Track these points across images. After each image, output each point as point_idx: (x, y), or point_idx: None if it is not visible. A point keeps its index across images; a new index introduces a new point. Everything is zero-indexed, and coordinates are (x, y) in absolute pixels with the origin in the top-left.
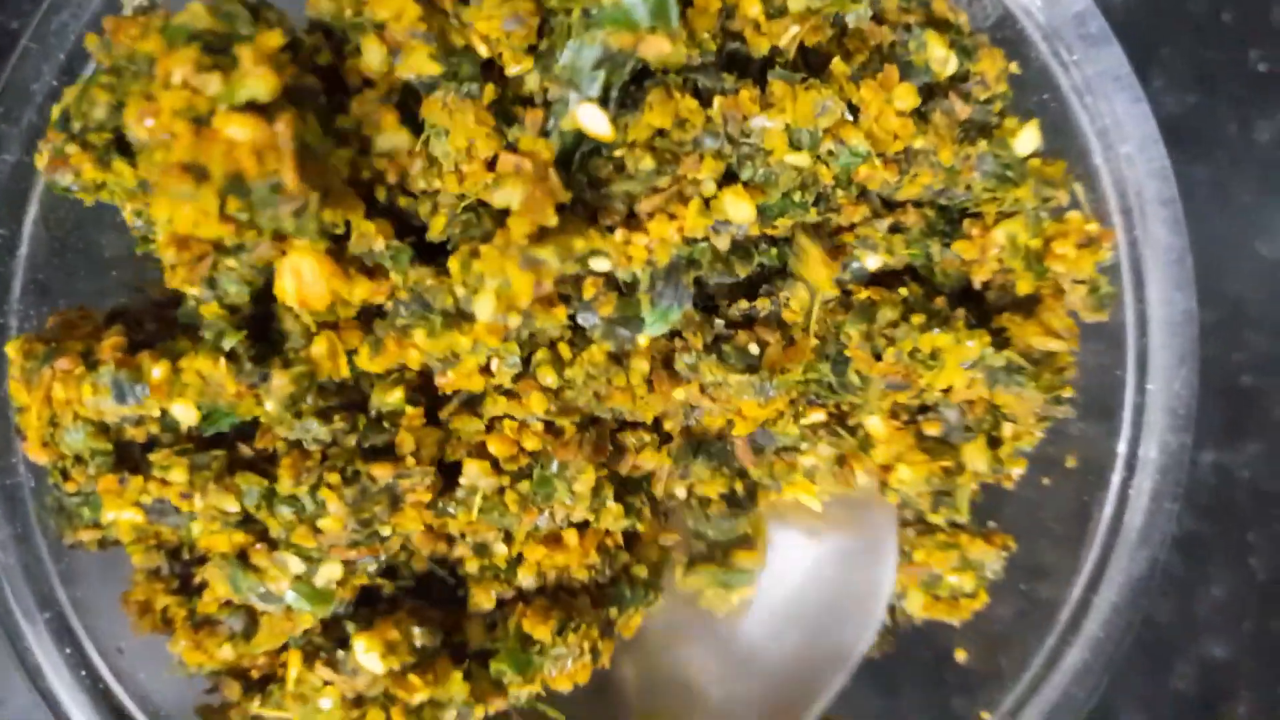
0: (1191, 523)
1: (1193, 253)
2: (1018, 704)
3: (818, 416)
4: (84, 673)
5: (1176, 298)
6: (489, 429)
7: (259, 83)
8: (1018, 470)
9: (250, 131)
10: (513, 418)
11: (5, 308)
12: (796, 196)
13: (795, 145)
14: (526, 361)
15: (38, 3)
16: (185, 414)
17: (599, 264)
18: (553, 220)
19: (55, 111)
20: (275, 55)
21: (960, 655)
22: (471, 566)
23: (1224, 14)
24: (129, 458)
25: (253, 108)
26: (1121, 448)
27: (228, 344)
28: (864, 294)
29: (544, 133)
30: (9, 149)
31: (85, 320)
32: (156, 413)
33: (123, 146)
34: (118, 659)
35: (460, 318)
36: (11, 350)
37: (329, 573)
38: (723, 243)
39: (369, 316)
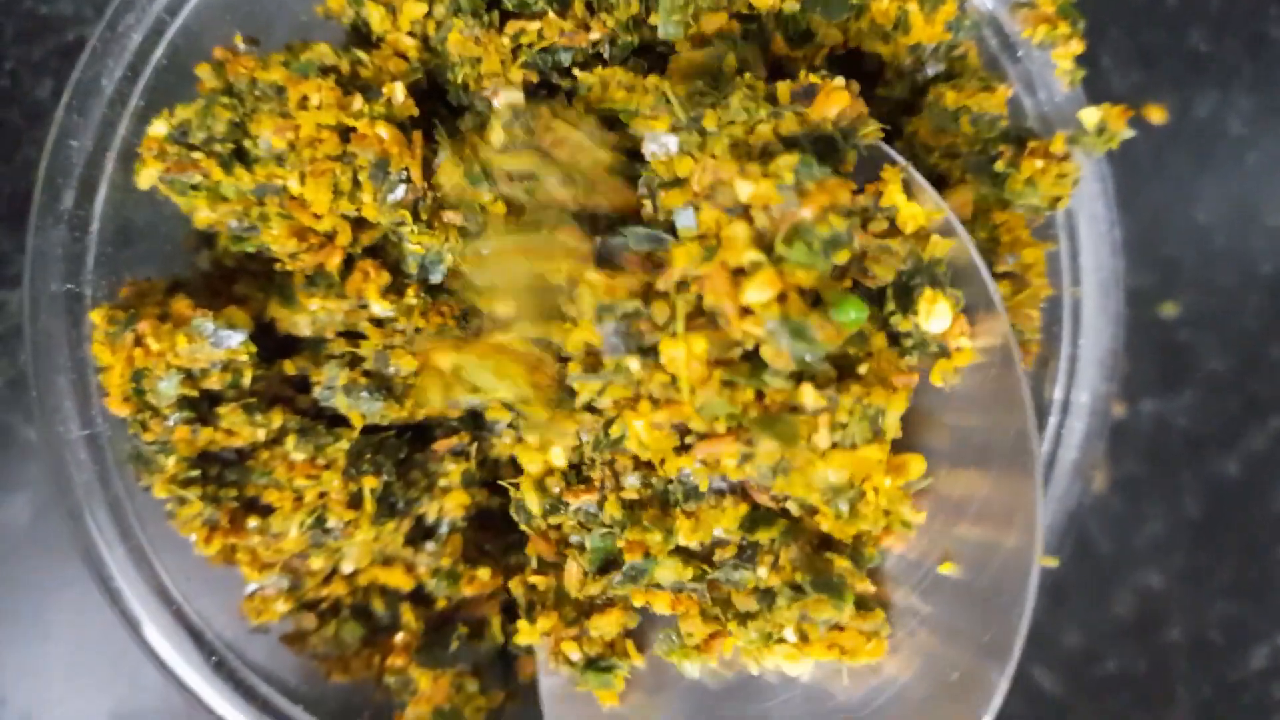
0: (1131, 466)
1: (1133, 219)
2: None
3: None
4: (160, 596)
5: (1106, 263)
6: None
7: (403, 110)
8: None
9: (391, 133)
10: None
11: (81, 278)
12: None
13: None
14: None
15: None
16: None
17: None
18: None
19: (165, 124)
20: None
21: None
22: None
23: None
24: (200, 411)
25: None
26: (1058, 394)
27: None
28: None
29: None
30: (78, 137)
31: (152, 290)
32: (245, 357)
33: (240, 156)
34: (186, 585)
35: None
36: (97, 317)
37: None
38: None
39: None
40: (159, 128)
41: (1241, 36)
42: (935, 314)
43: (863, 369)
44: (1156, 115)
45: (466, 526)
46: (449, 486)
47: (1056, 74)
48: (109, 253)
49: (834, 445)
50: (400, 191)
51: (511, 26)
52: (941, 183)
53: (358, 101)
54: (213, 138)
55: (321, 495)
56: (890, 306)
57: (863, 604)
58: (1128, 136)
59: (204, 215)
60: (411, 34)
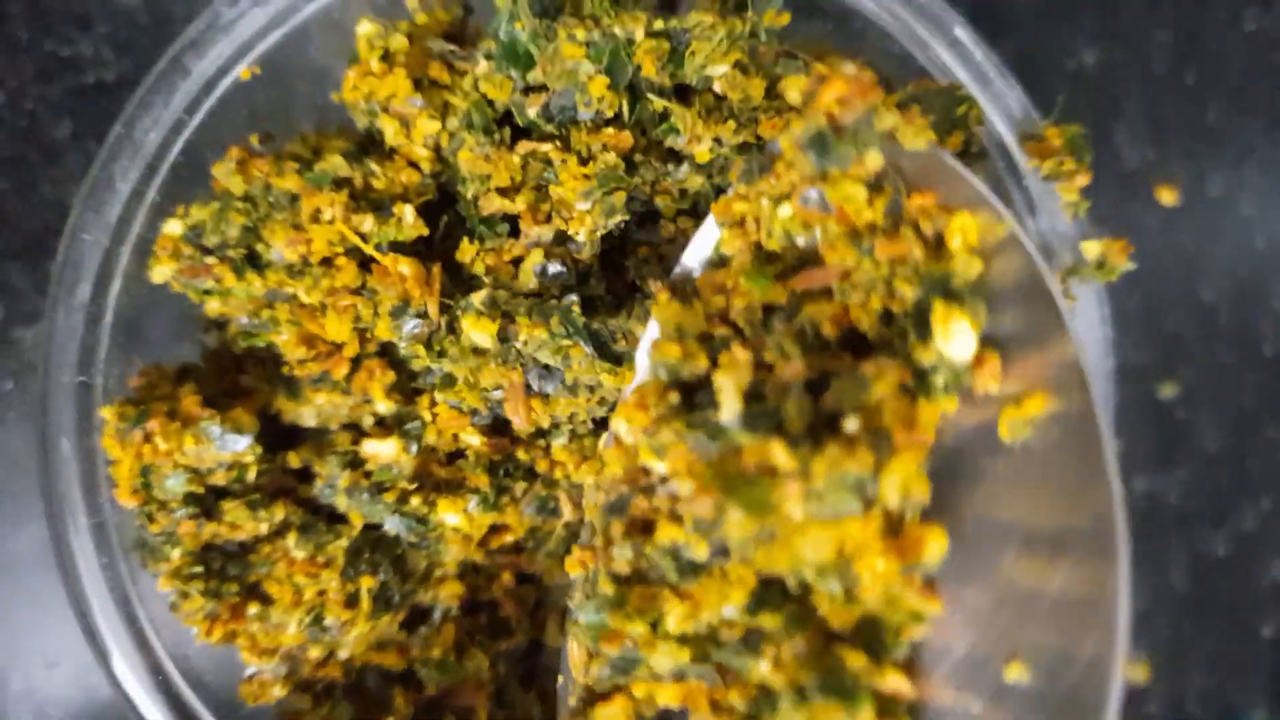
0: None
1: (1139, 295)
2: None
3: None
4: (159, 678)
5: (1100, 390)
6: None
7: (413, 230)
8: None
9: (413, 270)
10: None
11: (93, 369)
12: None
13: None
14: None
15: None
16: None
17: None
18: None
19: (179, 224)
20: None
21: None
22: None
23: (1186, 75)
24: (205, 505)
25: (398, 246)
26: None
27: None
28: None
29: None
30: (91, 231)
31: (162, 379)
32: (250, 458)
33: (252, 259)
34: (186, 664)
35: None
36: (108, 414)
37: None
38: None
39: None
40: (173, 227)
41: (1260, 115)
42: (953, 334)
43: (850, 424)
44: (1167, 197)
45: (460, 615)
46: (444, 576)
47: (1060, 205)
48: (121, 341)
49: (809, 517)
50: (415, 325)
51: (523, 146)
52: None
53: (368, 221)
54: (226, 243)
55: (320, 593)
56: (911, 338)
57: (888, 709)
58: (1128, 269)
59: (215, 307)
60: (425, 145)
